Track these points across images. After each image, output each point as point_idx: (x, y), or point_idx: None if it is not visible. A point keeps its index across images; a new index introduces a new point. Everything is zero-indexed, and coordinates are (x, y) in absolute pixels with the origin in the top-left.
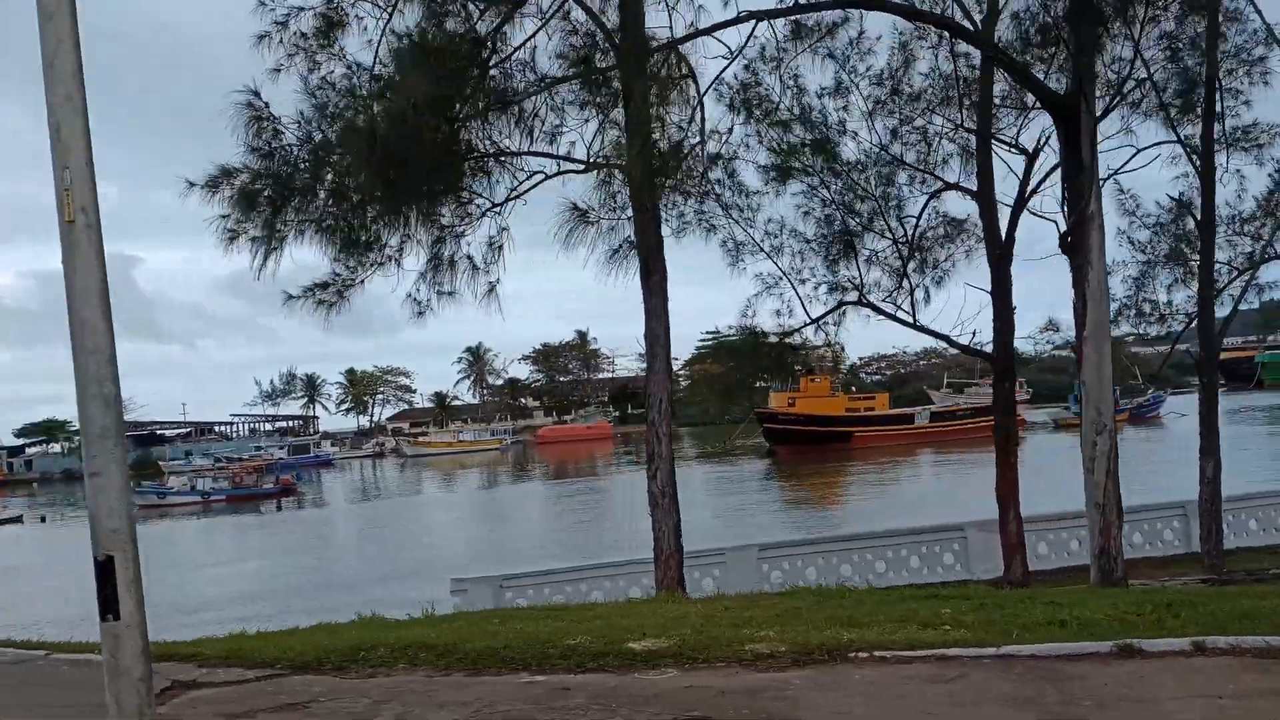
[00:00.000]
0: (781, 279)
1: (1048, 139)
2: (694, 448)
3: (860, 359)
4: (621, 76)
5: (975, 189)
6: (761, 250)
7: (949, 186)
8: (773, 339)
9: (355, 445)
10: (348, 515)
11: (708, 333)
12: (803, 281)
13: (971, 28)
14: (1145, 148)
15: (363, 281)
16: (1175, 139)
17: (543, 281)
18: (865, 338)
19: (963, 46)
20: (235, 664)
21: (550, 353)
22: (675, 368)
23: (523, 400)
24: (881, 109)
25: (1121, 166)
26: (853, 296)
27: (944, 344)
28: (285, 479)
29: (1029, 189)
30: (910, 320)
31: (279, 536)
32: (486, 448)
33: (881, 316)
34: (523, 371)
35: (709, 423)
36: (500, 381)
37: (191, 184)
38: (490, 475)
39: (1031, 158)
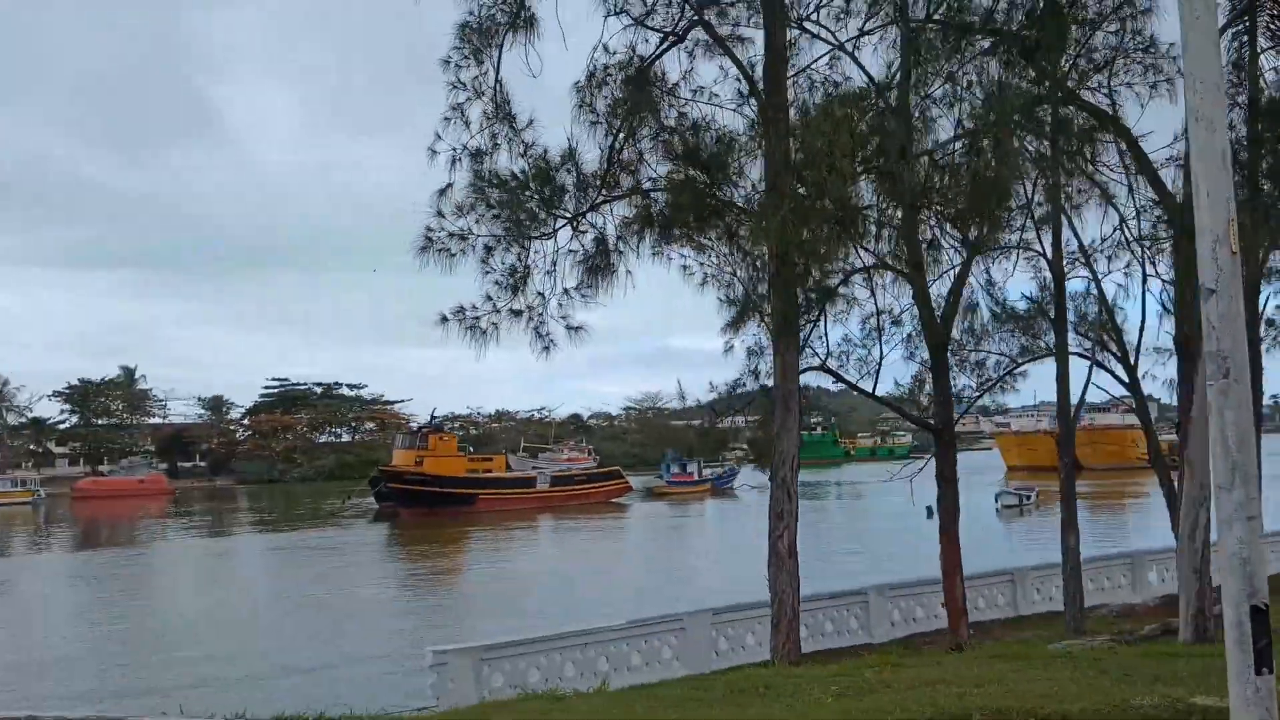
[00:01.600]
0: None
1: (987, 228)
2: (253, 511)
3: (436, 418)
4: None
5: (907, 270)
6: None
7: (883, 266)
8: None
9: None
10: None
11: (274, 378)
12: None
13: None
14: None
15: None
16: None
17: (77, 308)
18: (445, 397)
19: None
20: None
21: (90, 391)
22: (235, 416)
23: (46, 445)
24: None
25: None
26: (816, 363)
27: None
28: None
29: (966, 277)
30: (869, 391)
31: None
32: (13, 501)
33: (841, 383)
34: (52, 410)
35: (274, 480)
36: (22, 421)
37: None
38: (20, 538)
39: (973, 248)
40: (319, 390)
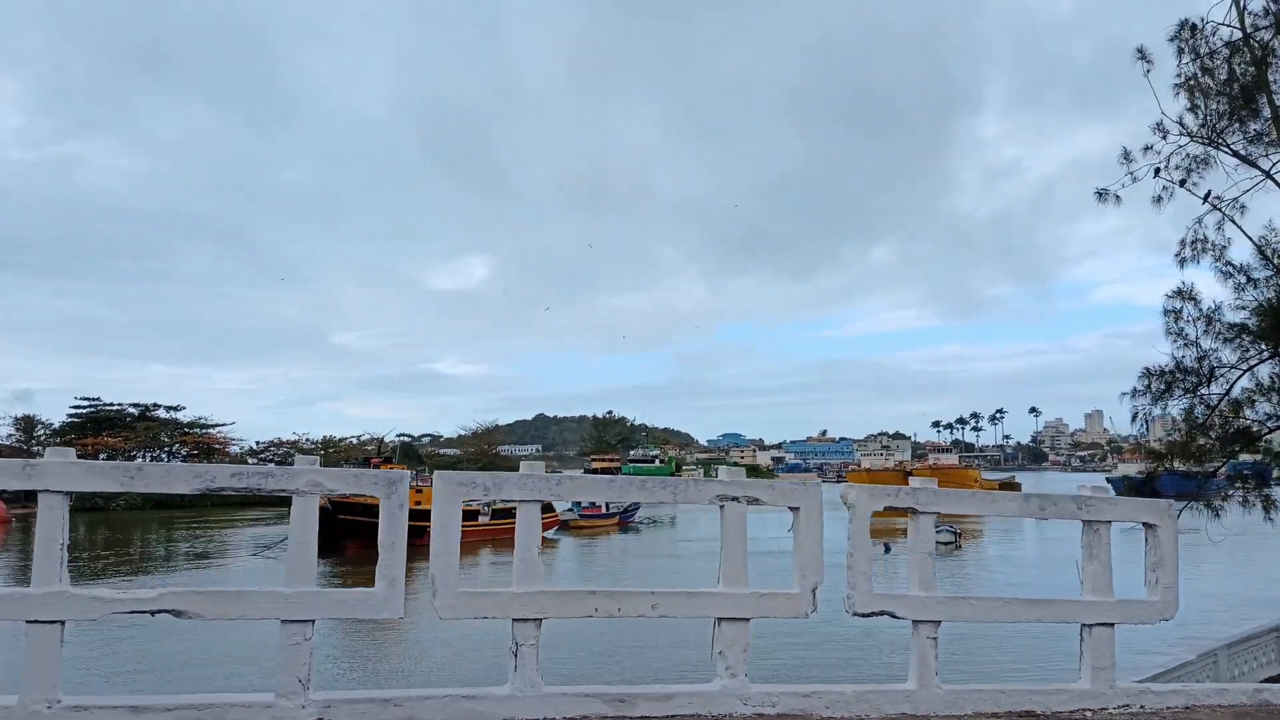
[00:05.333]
0: None
1: None
2: (154, 541)
3: (317, 441)
4: None
5: None
6: None
7: None
8: None
9: None
10: None
11: (83, 398)
12: None
13: None
14: None
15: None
16: None
17: None
18: (325, 423)
19: None
20: None
21: None
22: (42, 435)
23: None
24: None
25: None
26: None
27: None
28: None
29: None
30: None
31: None
32: None
33: None
34: None
35: (98, 508)
36: None
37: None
38: None
39: None
40: (135, 411)
